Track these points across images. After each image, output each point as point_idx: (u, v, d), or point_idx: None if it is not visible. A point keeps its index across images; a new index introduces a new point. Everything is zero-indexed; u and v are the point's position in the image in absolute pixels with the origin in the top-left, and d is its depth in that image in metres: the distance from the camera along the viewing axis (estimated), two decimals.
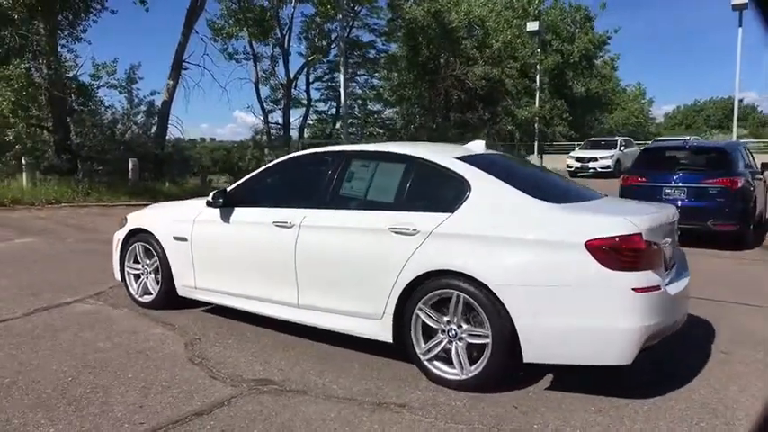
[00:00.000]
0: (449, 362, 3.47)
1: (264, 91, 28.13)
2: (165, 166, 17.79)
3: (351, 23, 27.28)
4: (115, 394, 3.32)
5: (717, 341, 4.35)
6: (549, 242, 3.22)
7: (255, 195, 4.51)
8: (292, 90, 27.56)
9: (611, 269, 3.07)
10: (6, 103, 12.74)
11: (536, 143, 34.35)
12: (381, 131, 32.24)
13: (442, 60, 32.03)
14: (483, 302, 3.28)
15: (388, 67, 33.08)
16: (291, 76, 26.88)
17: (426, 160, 3.80)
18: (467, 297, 3.34)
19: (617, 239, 3.09)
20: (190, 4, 18.62)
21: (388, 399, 3.31)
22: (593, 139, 29.65)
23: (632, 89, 60.67)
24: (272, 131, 26.79)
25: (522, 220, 3.37)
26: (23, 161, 13.83)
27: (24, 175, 13.76)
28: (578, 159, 26.77)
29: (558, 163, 30.88)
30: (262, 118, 26.64)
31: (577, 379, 3.48)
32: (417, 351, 3.55)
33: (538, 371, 3.53)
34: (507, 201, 3.46)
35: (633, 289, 3.05)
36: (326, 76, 29.87)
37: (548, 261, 3.19)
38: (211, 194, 4.51)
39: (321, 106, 32.34)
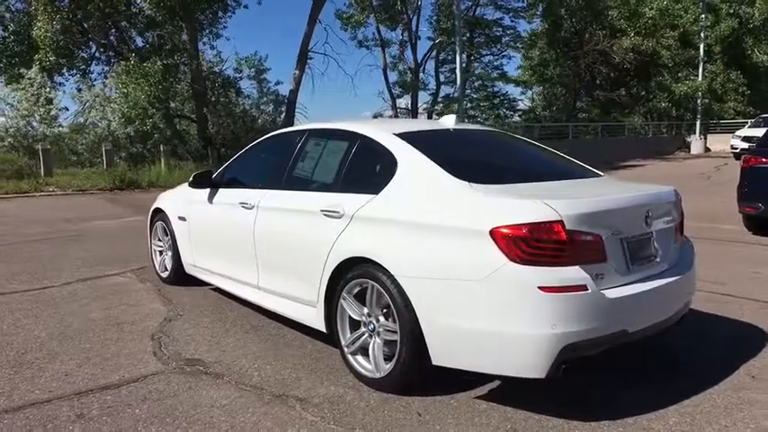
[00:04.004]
0: (368, 358, 3.16)
1: (393, 77, 28.39)
2: None
3: (477, 1, 26.29)
4: (57, 362, 3.53)
5: (750, 359, 3.45)
6: (455, 228, 2.74)
7: (234, 176, 4.51)
8: (420, 74, 27.44)
9: (518, 263, 2.53)
10: (144, 97, 14.36)
11: (698, 122, 30.30)
12: (511, 113, 30.76)
13: (586, 35, 29.59)
14: (393, 295, 2.91)
15: (526, 44, 31.43)
16: (419, 60, 26.74)
17: (366, 137, 3.47)
18: (380, 288, 3.00)
19: (526, 227, 2.53)
20: None
21: (295, 392, 3.10)
22: (766, 115, 25.28)
23: None
24: (400, 116, 26.95)
25: (433, 203, 2.92)
26: (161, 148, 15.51)
27: (162, 160, 15.43)
28: (745, 139, 23.06)
29: (724, 144, 27.01)
30: (390, 104, 26.94)
31: (526, 392, 2.97)
32: (342, 343, 3.29)
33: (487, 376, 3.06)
34: (426, 181, 3.02)
35: (540, 288, 2.48)
36: (454, 59, 29.11)
37: (452, 250, 2.72)
38: (192, 176, 4.61)
39: (448, 89, 31.77)
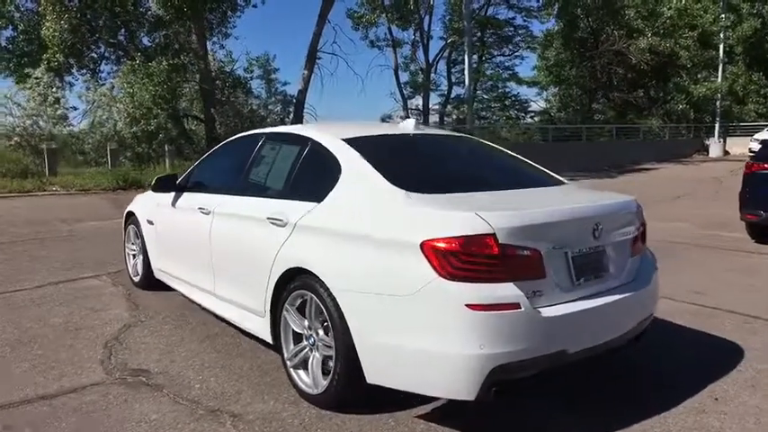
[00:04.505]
0: (309, 372, 3.04)
1: (404, 78, 28.18)
2: None
3: (489, 0, 25.97)
4: (3, 369, 3.47)
5: (718, 379, 3.26)
6: (387, 240, 2.60)
7: (197, 180, 4.43)
8: (432, 75, 27.23)
9: (447, 278, 2.38)
10: (148, 97, 14.42)
11: (717, 124, 29.59)
12: (522, 114, 30.31)
13: (603, 35, 29.09)
14: (329, 308, 2.78)
15: (542, 45, 31.00)
16: (431, 60, 26.54)
17: (315, 142, 3.34)
18: (317, 301, 2.88)
19: (456, 240, 2.38)
20: None
21: (231, 407, 2.99)
22: None
23: None
24: (410, 117, 26.82)
25: (369, 212, 2.79)
26: (166, 148, 15.57)
27: (167, 160, 15.49)
28: (764, 143, 22.43)
29: (744, 147, 26.31)
30: (402, 104, 26.79)
31: (471, 413, 2.82)
32: (285, 356, 3.17)
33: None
34: (365, 189, 2.89)
35: (468, 306, 2.33)
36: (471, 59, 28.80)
37: (384, 264, 2.58)
38: (155, 179, 4.53)
39: (460, 90, 31.43)
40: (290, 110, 19.73)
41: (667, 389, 3.16)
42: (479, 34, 27.25)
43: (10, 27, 18.05)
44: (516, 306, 2.37)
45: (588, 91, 31.54)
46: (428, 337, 2.44)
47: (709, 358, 3.65)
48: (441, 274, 2.38)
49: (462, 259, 2.37)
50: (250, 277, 3.42)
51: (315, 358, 2.98)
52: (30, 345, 3.88)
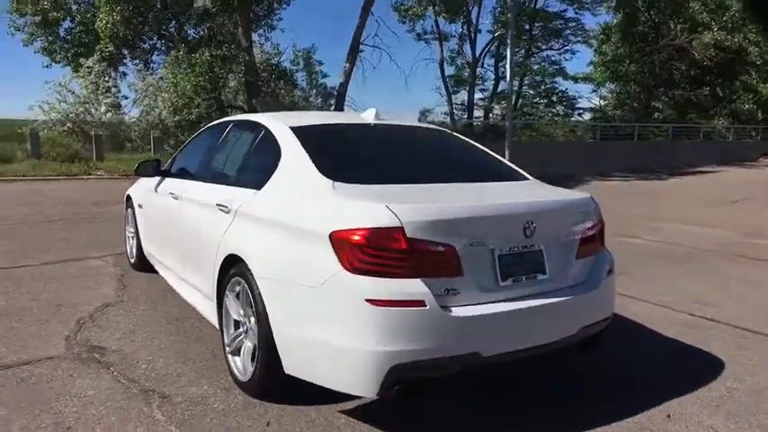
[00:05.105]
0: (241, 359, 3.04)
1: (450, 72, 27.75)
2: None
3: None
4: None
5: (678, 396, 3.04)
6: (303, 230, 2.56)
7: (176, 165, 4.51)
8: (479, 69, 26.72)
9: (351, 271, 2.31)
10: (190, 87, 14.86)
11: None
12: (570, 111, 29.24)
13: (664, 29, 27.74)
14: (255, 296, 2.77)
15: (599, 39, 29.85)
16: (477, 54, 26.05)
17: (266, 129, 3.33)
18: (247, 288, 2.87)
19: (362, 232, 2.31)
20: None
21: (166, 388, 3.03)
22: None
23: None
24: (455, 113, 26.46)
25: (295, 201, 2.75)
26: None
27: None
28: None
29: None
30: (446, 99, 26.45)
31: (396, 412, 2.76)
32: (225, 341, 3.18)
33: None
34: (298, 178, 2.85)
35: (368, 300, 2.26)
36: (518, 52, 27.96)
37: (300, 253, 2.54)
38: (137, 164, 4.65)
39: (506, 85, 30.46)
40: (332, 102, 19.86)
41: (617, 403, 2.97)
42: (527, 27, 26.48)
43: (68, 18, 19.03)
44: (421, 303, 2.27)
45: (647, 88, 30.18)
46: (332, 330, 2.38)
47: (681, 373, 3.41)
48: (345, 267, 2.32)
49: (367, 252, 2.29)
50: (203, 263, 3.45)
51: (246, 346, 2.97)
52: (9, 317, 4.06)
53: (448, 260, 2.37)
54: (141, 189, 5.10)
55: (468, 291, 2.42)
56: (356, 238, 2.31)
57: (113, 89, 16.21)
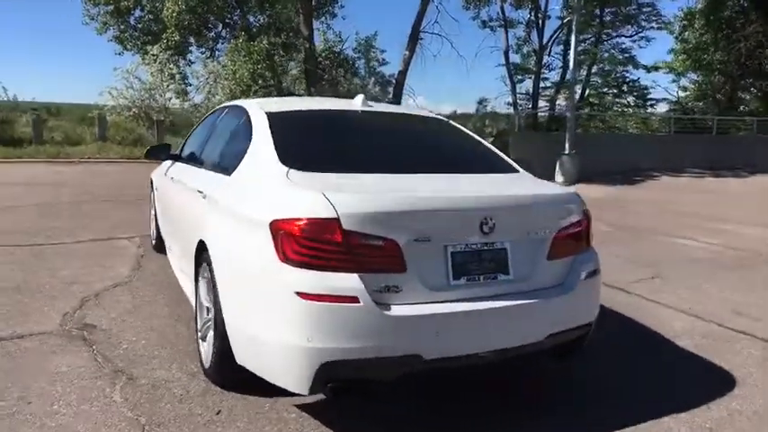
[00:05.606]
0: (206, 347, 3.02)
1: (515, 60, 26.77)
2: None
3: None
4: None
5: (668, 414, 2.75)
6: (250, 218, 2.48)
7: (183, 150, 4.56)
8: (546, 57, 25.69)
9: (285, 262, 2.21)
10: (247, 74, 15.18)
11: None
12: (641, 102, 27.51)
13: (753, 14, 25.58)
14: (214, 284, 2.74)
15: (680, 25, 27.98)
16: (545, 42, 25.04)
17: (247, 114, 3.27)
18: (210, 274, 2.84)
19: (298, 223, 2.20)
20: None
21: (135, 370, 3.06)
22: None
23: None
24: (519, 103, 25.62)
25: (251, 188, 2.68)
26: None
27: None
28: None
29: None
30: (510, 88, 25.65)
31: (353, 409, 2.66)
32: (197, 326, 3.18)
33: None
34: (259, 165, 2.77)
35: (298, 294, 2.15)
36: (588, 40, 26.56)
37: (246, 241, 2.46)
38: (147, 148, 4.75)
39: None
40: (389, 91, 19.75)
41: (583, 417, 2.73)
42: (598, 12, 25.10)
43: (138, 8, 19.91)
44: (354, 300, 2.15)
45: (732, 78, 28.02)
46: (269, 323, 2.31)
47: (679, 388, 3.09)
48: (279, 258, 2.23)
49: (302, 243, 2.19)
50: (187, 247, 3.47)
51: (210, 333, 2.95)
52: (23, 292, 4.26)
53: (388, 255, 2.22)
54: (159, 172, 5.23)
55: (413, 289, 2.26)
56: (291, 228, 2.21)
57: (177, 76, 16.84)
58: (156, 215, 5.32)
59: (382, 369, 2.23)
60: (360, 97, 3.46)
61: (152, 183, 5.62)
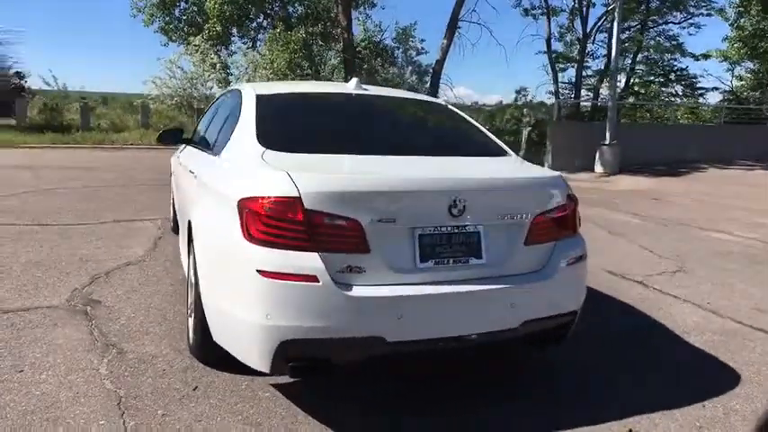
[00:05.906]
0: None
1: (557, 49, 25.98)
2: None
3: None
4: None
5: (650, 407, 2.63)
6: (223, 196, 2.49)
7: (194, 135, 4.63)
8: (589, 46, 24.86)
9: (249, 240, 2.22)
10: (284, 63, 15.34)
11: None
12: (689, 92, 26.25)
13: None
14: (195, 262, 2.78)
15: (735, 11, 26.57)
16: (588, 30, 24.22)
17: (241, 96, 3.29)
18: (193, 251, 2.89)
19: (261, 201, 2.20)
20: None
21: (126, 344, 3.14)
22: None
23: None
24: (562, 92, 24.94)
25: (229, 168, 2.70)
26: None
27: None
28: None
29: None
30: (552, 77, 24.99)
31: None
32: (188, 304, 3.24)
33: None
34: (241, 145, 2.78)
35: (259, 271, 2.15)
36: (633, 27, 25.48)
37: (219, 219, 2.48)
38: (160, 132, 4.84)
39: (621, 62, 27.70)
40: (426, 80, 19.58)
41: (570, 408, 2.64)
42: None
43: (183, 0, 20.42)
44: (313, 279, 2.13)
45: None
46: (233, 299, 2.32)
47: (676, 384, 2.96)
48: (244, 236, 2.23)
49: (264, 222, 2.19)
50: (183, 226, 3.54)
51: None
52: (40, 267, 4.44)
53: (350, 235, 2.19)
54: (174, 156, 5.34)
55: (377, 270, 2.23)
56: (255, 206, 2.21)
57: (218, 65, 17.18)
58: (173, 198, 5.45)
59: (344, 350, 2.21)
60: (354, 80, 3.43)
61: (171, 166, 5.75)
